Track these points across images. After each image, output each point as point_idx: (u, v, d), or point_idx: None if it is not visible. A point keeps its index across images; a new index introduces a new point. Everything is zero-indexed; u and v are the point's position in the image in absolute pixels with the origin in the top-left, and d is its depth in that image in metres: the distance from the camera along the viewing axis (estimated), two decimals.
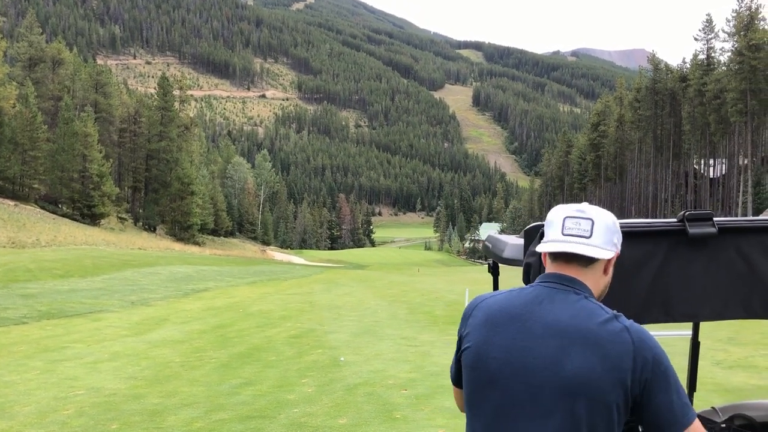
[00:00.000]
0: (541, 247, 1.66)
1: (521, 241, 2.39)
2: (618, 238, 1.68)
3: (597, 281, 1.67)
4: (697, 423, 1.54)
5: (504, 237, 2.73)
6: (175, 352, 10.97)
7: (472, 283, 29.25)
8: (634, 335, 1.53)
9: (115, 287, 23.36)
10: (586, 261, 1.64)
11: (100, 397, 7.65)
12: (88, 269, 29.60)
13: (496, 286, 3.64)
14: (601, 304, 1.61)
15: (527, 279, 2.17)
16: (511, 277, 2.44)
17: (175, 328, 13.94)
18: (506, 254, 2.48)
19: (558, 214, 1.68)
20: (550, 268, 1.70)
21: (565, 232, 1.63)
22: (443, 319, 15.42)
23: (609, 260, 1.68)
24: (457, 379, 1.77)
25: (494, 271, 3.61)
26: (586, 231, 1.61)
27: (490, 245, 2.84)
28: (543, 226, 2.17)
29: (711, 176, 72.71)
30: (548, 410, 1.50)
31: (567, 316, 1.56)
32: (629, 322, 1.56)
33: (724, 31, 65.01)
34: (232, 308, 18.58)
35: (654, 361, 1.52)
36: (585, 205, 1.68)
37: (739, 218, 2.29)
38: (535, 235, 2.17)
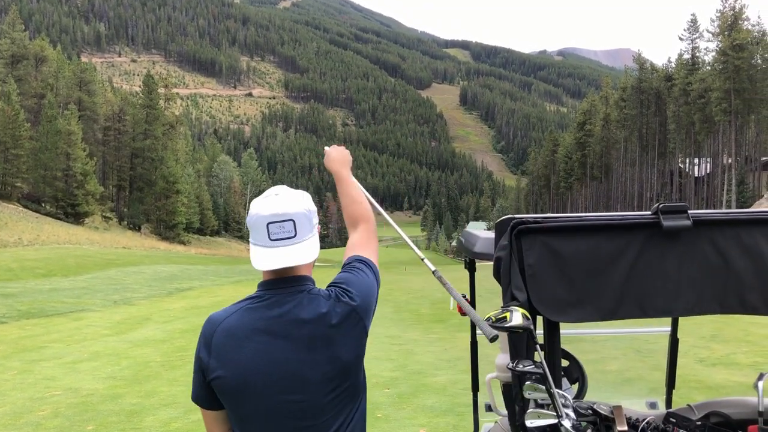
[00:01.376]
0: (257, 263, 1.69)
1: (492, 234, 2.34)
2: (314, 214, 1.78)
3: (311, 266, 1.81)
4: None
5: (476, 231, 2.68)
6: (156, 351, 10.83)
7: (458, 281, 29.16)
8: (353, 302, 1.71)
9: (98, 286, 23.12)
10: (298, 244, 1.73)
11: (77, 397, 7.51)
12: (71, 268, 29.30)
13: (472, 284, 3.57)
14: (320, 289, 1.75)
15: (497, 273, 2.12)
16: (489, 276, 2.38)
17: (158, 328, 13.79)
18: (477, 248, 2.45)
19: (260, 220, 1.70)
20: (269, 272, 1.73)
21: (272, 237, 1.69)
22: (428, 317, 15.37)
23: (313, 235, 1.79)
24: (203, 401, 1.75)
25: (470, 267, 3.55)
26: (291, 231, 1.69)
27: (463, 240, 2.79)
28: (513, 219, 2.11)
29: (696, 175, 73.24)
30: (320, 406, 1.65)
31: (302, 317, 1.67)
32: (340, 290, 1.73)
33: (708, 31, 65.45)
34: (216, 307, 18.28)
35: (369, 305, 1.76)
36: (282, 200, 1.72)
37: (714, 210, 2.23)
38: (505, 228, 2.11)
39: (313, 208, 1.80)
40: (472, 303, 3.50)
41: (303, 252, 1.71)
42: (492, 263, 2.20)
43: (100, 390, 7.84)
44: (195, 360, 1.74)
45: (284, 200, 1.73)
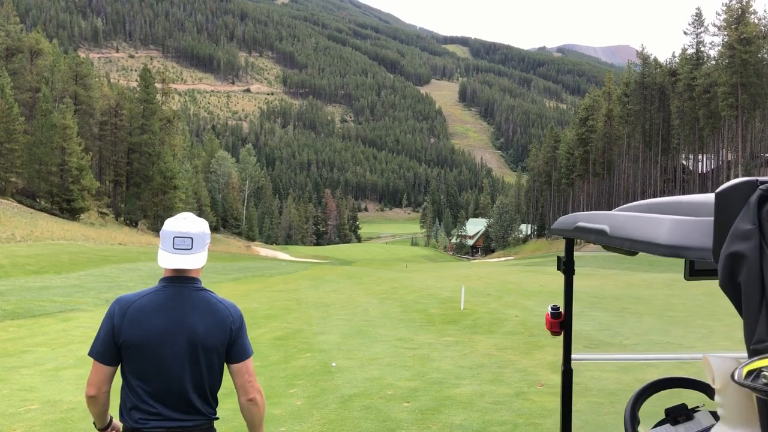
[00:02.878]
0: (161, 263, 2.54)
1: (697, 218, 1.34)
2: (208, 238, 2.65)
3: (198, 271, 2.63)
4: (251, 357, 2.64)
5: (650, 214, 1.55)
6: None
7: (463, 279, 28.42)
8: (230, 309, 2.60)
9: (91, 284, 22.22)
10: (193, 256, 2.57)
11: (56, 412, 6.63)
12: (64, 265, 28.39)
13: (570, 293, 2.66)
14: (213, 293, 2.63)
15: (730, 283, 1.15)
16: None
17: None
18: (667, 239, 1.35)
19: (169, 234, 2.55)
20: (171, 267, 2.55)
21: (175, 247, 2.53)
22: (439, 318, 14.48)
23: (205, 251, 2.65)
24: (103, 357, 2.50)
25: (568, 268, 2.63)
26: (189, 245, 2.53)
27: (606, 228, 1.65)
28: (758, 183, 1.26)
29: (700, 171, 72.38)
30: (196, 359, 2.48)
31: (196, 302, 2.53)
32: (226, 302, 2.63)
33: (714, 25, 64.58)
34: None
35: (239, 321, 2.60)
36: (187, 223, 2.58)
37: None
38: (742, 201, 1.18)
39: (208, 232, 2.66)
40: (568, 317, 2.61)
41: (195, 260, 2.57)
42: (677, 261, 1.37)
43: (83, 404, 6.91)
44: (106, 327, 2.51)
45: (189, 223, 2.59)
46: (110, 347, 2.48)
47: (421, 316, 14.85)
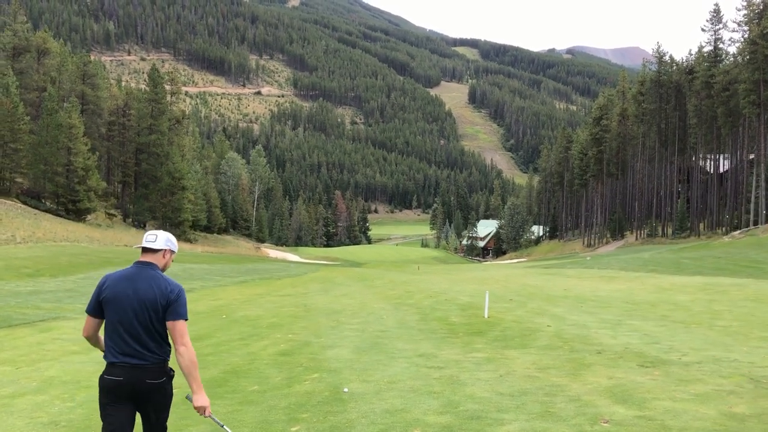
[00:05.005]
0: (137, 246, 4.03)
1: None
2: (172, 244, 4.05)
3: (161, 261, 3.98)
4: (183, 321, 3.79)
5: None
6: None
7: (479, 282, 26.96)
8: (171, 285, 3.84)
9: (86, 288, 20.85)
10: (154, 252, 3.95)
11: None
12: (62, 268, 27.09)
13: None
14: (161, 273, 3.93)
15: None
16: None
17: None
18: None
19: (144, 237, 3.95)
20: (141, 257, 3.92)
21: (145, 240, 3.94)
22: (462, 328, 12.93)
23: (165, 251, 4.00)
24: (92, 311, 3.87)
25: None
26: (154, 240, 3.95)
27: None
28: None
29: (720, 171, 70.38)
30: (143, 311, 3.71)
31: (147, 277, 3.81)
32: (170, 280, 3.88)
33: (733, 21, 62.75)
34: (214, 314, 16.10)
35: (176, 293, 3.82)
36: (156, 231, 4.00)
37: None
38: None
39: (173, 241, 4.10)
40: None
41: (157, 245, 3.95)
42: None
43: None
44: (95, 291, 3.87)
45: (157, 231, 4.02)
46: (97, 305, 3.82)
47: (441, 326, 13.32)
